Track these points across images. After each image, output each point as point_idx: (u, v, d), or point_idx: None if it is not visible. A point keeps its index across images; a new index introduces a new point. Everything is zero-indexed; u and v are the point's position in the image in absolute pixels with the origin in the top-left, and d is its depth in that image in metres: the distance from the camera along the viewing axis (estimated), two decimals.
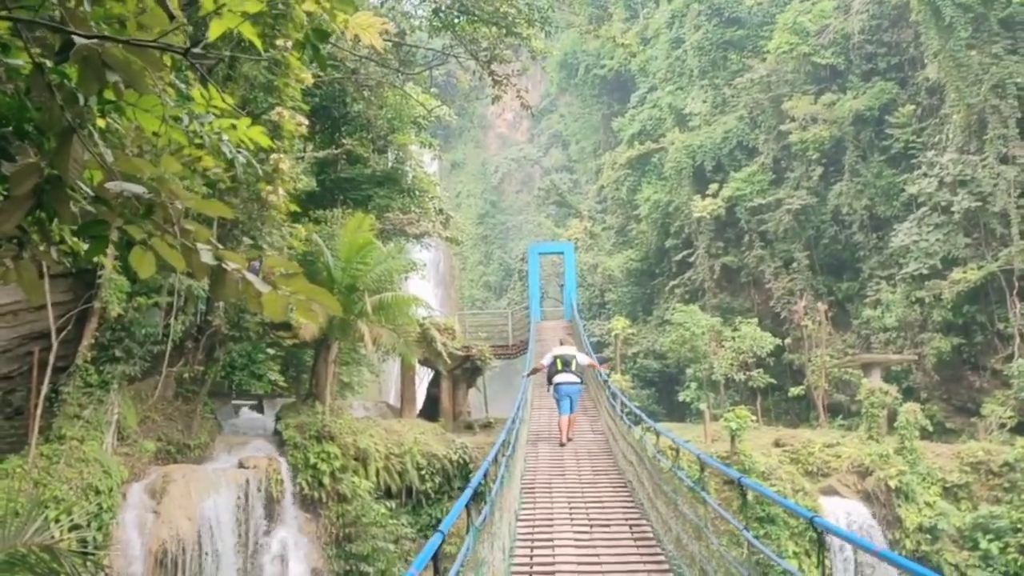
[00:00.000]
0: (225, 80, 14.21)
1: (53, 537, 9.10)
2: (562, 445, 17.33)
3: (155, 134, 3.17)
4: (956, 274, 30.56)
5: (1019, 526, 22.11)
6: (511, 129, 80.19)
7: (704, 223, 41.13)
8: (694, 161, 42.64)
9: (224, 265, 2.89)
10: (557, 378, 17.40)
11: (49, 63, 2.88)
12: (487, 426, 25.49)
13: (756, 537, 6.87)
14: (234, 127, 3.51)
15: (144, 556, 15.47)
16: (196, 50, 2.69)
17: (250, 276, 2.89)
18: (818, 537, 5.13)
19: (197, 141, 3.36)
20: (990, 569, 21.85)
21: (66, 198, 2.85)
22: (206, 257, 2.84)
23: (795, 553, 20.52)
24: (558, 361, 17.67)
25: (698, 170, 42.62)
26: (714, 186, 41.01)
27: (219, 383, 22.07)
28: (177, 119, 3.26)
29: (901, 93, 36.54)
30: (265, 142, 3.63)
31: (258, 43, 2.90)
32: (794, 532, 20.98)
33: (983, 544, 22.02)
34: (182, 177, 2.93)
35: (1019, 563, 21.73)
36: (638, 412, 14.01)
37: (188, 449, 19.05)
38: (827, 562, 20.96)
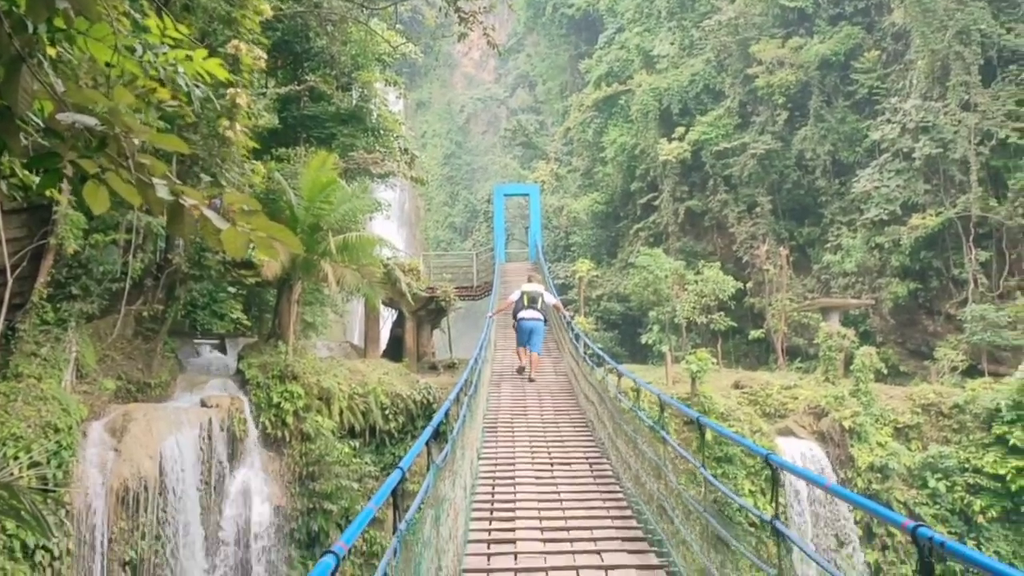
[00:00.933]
0: (183, 11, 13.82)
1: (12, 475, 9.06)
2: (520, 373, 17.99)
3: (108, 65, 3.07)
4: (915, 220, 30.95)
5: (966, 466, 22.79)
6: (477, 69, 79.21)
7: (670, 166, 41.12)
8: (661, 104, 42.45)
9: (181, 200, 2.84)
10: (521, 313, 18.17)
11: None
12: (451, 366, 25.61)
13: (714, 476, 7.01)
14: (190, 59, 3.41)
15: (105, 494, 15.46)
16: None
17: (208, 212, 2.84)
18: (772, 473, 5.25)
19: (152, 73, 3.27)
20: (937, 507, 22.57)
21: (16, 130, 2.76)
22: (162, 192, 2.78)
23: (751, 491, 20.99)
24: (525, 297, 18.38)
25: (664, 113, 42.46)
26: (680, 129, 40.93)
27: (180, 322, 21.91)
28: (131, 49, 3.15)
29: (867, 38, 36.55)
30: (222, 74, 3.53)
31: None
32: (751, 471, 21.44)
33: (931, 483, 22.71)
34: (136, 109, 2.85)
35: (964, 501, 22.46)
36: (601, 353, 14.15)
37: (149, 388, 18.94)
38: (781, 499, 21.53)
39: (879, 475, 22.82)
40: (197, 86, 3.43)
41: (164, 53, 3.32)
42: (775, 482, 5.27)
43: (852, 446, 23.21)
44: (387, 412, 20.83)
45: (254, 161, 17.02)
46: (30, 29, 2.71)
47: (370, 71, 27.75)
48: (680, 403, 8.19)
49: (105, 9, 3.03)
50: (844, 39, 36.52)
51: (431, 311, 27.97)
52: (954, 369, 27.65)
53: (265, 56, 14.81)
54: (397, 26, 30.80)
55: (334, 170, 20.61)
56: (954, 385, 25.92)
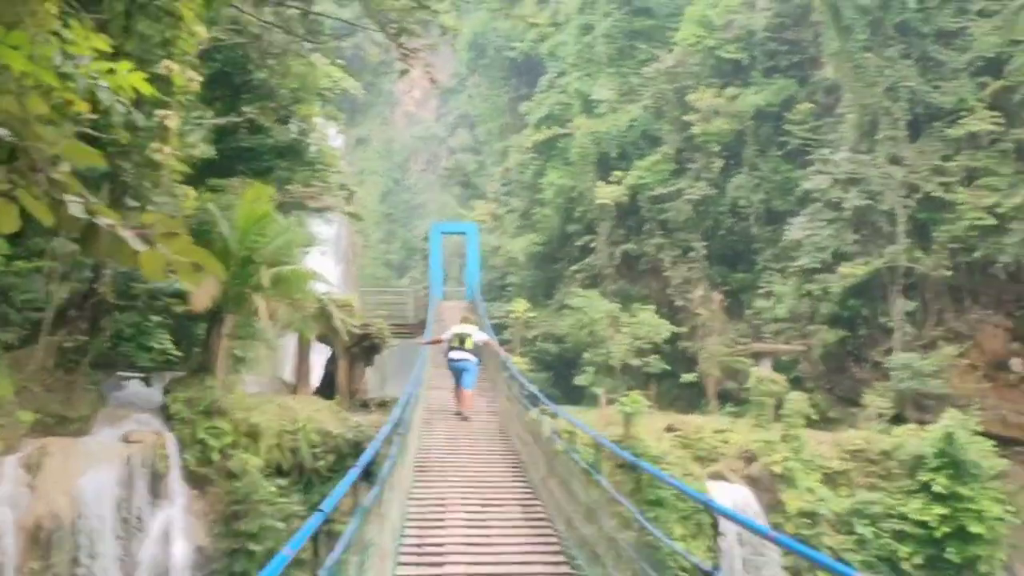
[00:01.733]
0: (123, 33, 13.53)
1: None
2: (457, 414, 17.97)
3: (23, 74, 2.90)
4: (844, 269, 31.64)
5: (893, 512, 23.13)
6: (418, 107, 79.45)
7: (606, 210, 41.48)
8: (599, 148, 42.93)
9: (96, 220, 2.67)
10: (452, 354, 18.27)
11: None
12: (383, 405, 25.18)
13: (647, 519, 6.92)
14: (112, 72, 3.26)
15: (16, 532, 14.76)
16: None
17: (124, 233, 2.68)
18: (714, 521, 5.17)
19: (70, 84, 3.10)
20: (865, 553, 22.80)
21: None
22: (75, 210, 2.61)
23: (683, 536, 20.96)
24: (456, 338, 18.47)
25: (603, 157, 42.93)
26: (618, 173, 41.36)
27: (105, 354, 21.20)
28: (48, 59, 2.99)
29: (800, 91, 37.59)
30: (146, 89, 3.38)
31: None
32: (682, 515, 21.42)
33: (859, 529, 22.96)
34: (51, 122, 2.68)
35: (891, 547, 22.75)
36: (537, 392, 14.05)
37: (68, 422, 18.24)
38: (719, 544, 21.55)
39: (808, 520, 22.99)
40: (120, 101, 3.28)
41: (85, 64, 3.16)
42: (716, 529, 5.19)
43: (782, 491, 23.37)
44: (317, 450, 20.38)
45: (184, 187, 16.63)
46: None
47: (310, 105, 27.56)
48: (615, 445, 8.12)
49: (28, 25, 2.87)
50: (778, 91, 37.50)
51: (365, 348, 27.56)
52: (881, 416, 28.13)
53: (200, 79, 14.56)
54: (339, 61, 30.71)
55: (270, 203, 20.33)
56: (881, 432, 26.36)
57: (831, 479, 24.37)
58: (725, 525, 20.68)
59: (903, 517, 22.99)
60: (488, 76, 59.67)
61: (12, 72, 2.85)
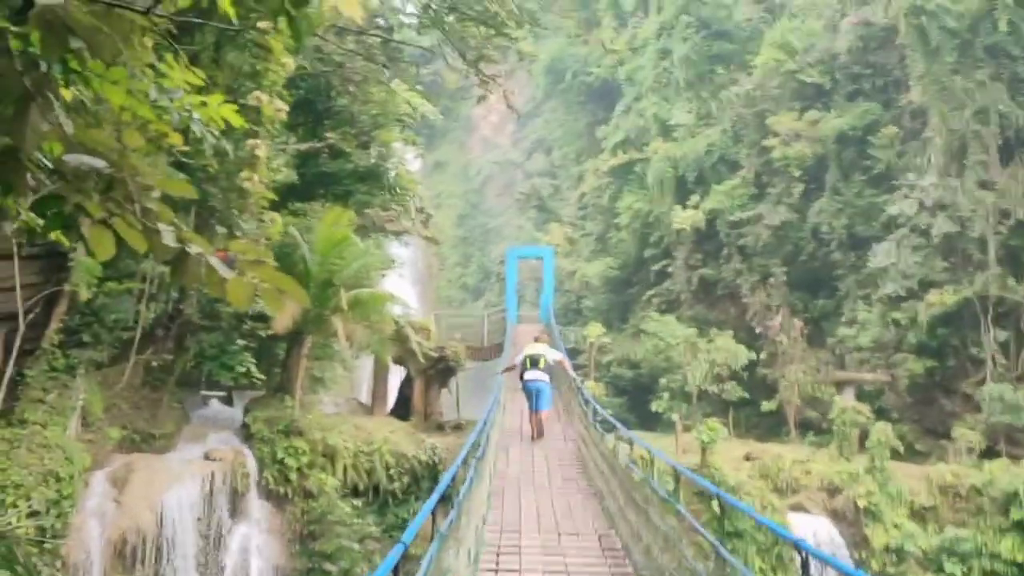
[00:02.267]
0: (211, 64, 13.97)
1: (10, 524, 8.87)
2: (532, 440, 17.78)
3: (122, 108, 3.01)
4: (932, 297, 30.71)
5: (984, 550, 22.20)
6: (495, 132, 80.00)
7: (684, 234, 41.13)
8: (676, 172, 42.66)
9: (187, 248, 2.74)
10: (526, 375, 17.99)
11: (10, 27, 2.72)
12: (458, 428, 25.28)
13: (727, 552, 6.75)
14: (205, 104, 3.36)
15: (103, 546, 15.19)
16: (160, 12, 2.54)
17: (214, 261, 2.74)
18: (802, 561, 5.01)
19: (165, 117, 3.20)
20: None
21: (22, 170, 2.68)
22: (168, 239, 2.68)
23: (761, 569, 20.49)
24: (527, 359, 18.22)
25: (680, 181, 42.65)
26: (695, 198, 41.04)
27: (188, 373, 21.78)
28: (145, 94, 3.10)
29: (884, 114, 36.73)
30: (237, 121, 3.47)
31: (230, 10, 2.75)
32: (761, 548, 20.95)
33: (948, 567, 22.10)
34: (146, 154, 2.77)
35: None
36: (612, 420, 13.92)
37: (153, 438, 18.76)
38: None
39: (894, 557, 22.26)
40: (212, 133, 3.36)
41: (179, 98, 3.26)
42: (805, 569, 5.02)
43: (867, 526, 22.68)
44: (392, 472, 20.54)
45: (271, 212, 17.06)
46: (43, 68, 2.65)
47: (389, 131, 27.99)
48: (698, 476, 7.97)
49: (126, 56, 2.97)
50: (862, 115, 36.72)
51: (440, 371, 27.72)
52: (971, 450, 27.13)
53: (287, 108, 14.94)
54: (418, 87, 31.18)
55: (349, 226, 20.69)
56: (972, 466, 25.40)
57: (919, 514, 23.54)
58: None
59: (995, 556, 22.06)
60: (565, 101, 59.87)
61: (111, 106, 2.96)
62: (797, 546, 5.01)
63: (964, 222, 30.71)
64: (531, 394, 18.05)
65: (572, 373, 20.86)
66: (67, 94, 3.05)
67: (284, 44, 12.11)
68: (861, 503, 22.80)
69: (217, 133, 3.39)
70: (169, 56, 3.55)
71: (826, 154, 37.05)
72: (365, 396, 34.69)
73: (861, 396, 30.99)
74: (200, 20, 2.88)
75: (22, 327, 15.30)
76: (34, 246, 15.92)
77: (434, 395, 28.03)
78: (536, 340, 19.98)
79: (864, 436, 25.46)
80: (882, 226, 34.87)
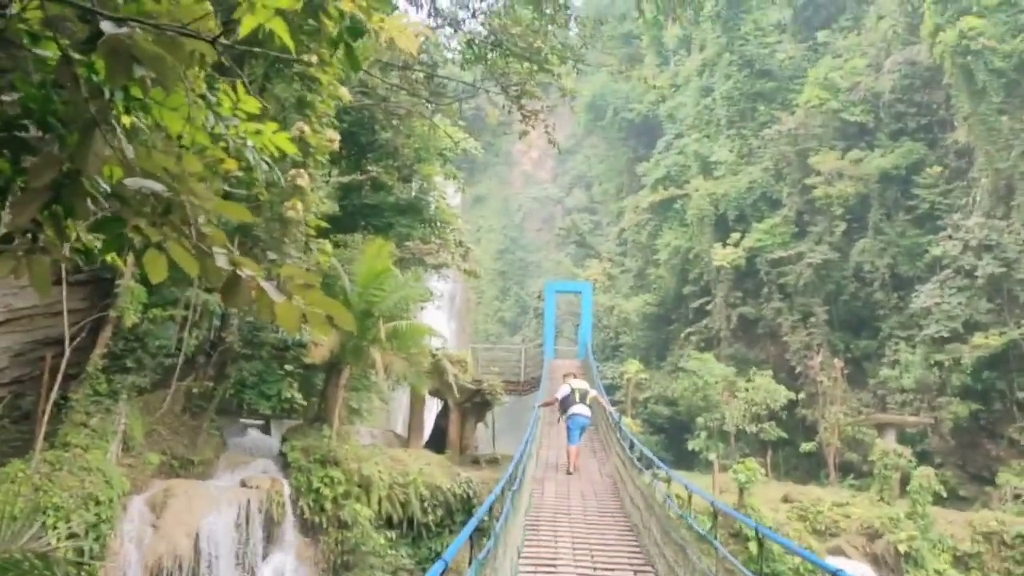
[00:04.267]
0: (259, 95, 14.25)
1: (49, 544, 8.97)
2: (569, 473, 17.68)
3: (179, 136, 3.10)
4: (977, 339, 30.20)
5: None
6: (535, 167, 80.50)
7: (723, 272, 40.96)
8: (717, 209, 42.58)
9: (239, 272, 2.80)
10: (573, 408, 17.85)
11: (77, 56, 2.82)
12: (493, 461, 25.22)
13: None
14: (259, 132, 3.45)
15: (140, 570, 15.30)
16: (224, 41, 2.63)
17: (265, 285, 2.80)
18: None
19: (221, 144, 3.30)
20: None
21: (83, 193, 2.77)
22: (221, 262, 2.75)
23: None
24: (576, 393, 18.09)
25: (720, 219, 42.55)
26: (736, 235, 40.89)
27: (228, 400, 21.98)
28: (202, 121, 3.19)
29: (929, 154, 36.44)
30: (290, 149, 3.55)
31: (289, 41, 2.83)
32: None
33: None
34: (202, 178, 2.85)
35: None
36: (651, 456, 13.81)
37: (192, 465, 18.93)
38: None
39: None
40: (265, 161, 3.45)
41: (235, 125, 3.35)
42: None
43: (907, 572, 22.16)
44: (426, 504, 20.50)
45: (320, 240, 17.29)
46: (106, 95, 2.75)
47: (431, 164, 28.30)
48: (740, 513, 7.89)
49: (185, 79, 3.08)
50: (906, 154, 36.45)
51: (476, 404, 27.73)
52: (1017, 496, 26.48)
53: (338, 137, 15.18)
54: (460, 122, 31.51)
55: (389, 258, 20.86)
56: (1018, 514, 24.77)
57: (962, 561, 22.96)
58: None
59: None
60: (606, 137, 60.16)
61: (170, 132, 3.05)
62: None
63: (1010, 263, 30.24)
64: (577, 429, 17.97)
65: (611, 408, 20.77)
66: (126, 120, 3.16)
67: (335, 75, 12.34)
68: (902, 548, 22.30)
69: (270, 161, 3.49)
70: (223, 84, 3.66)
71: (869, 193, 36.78)
72: (401, 428, 34.78)
73: (903, 439, 30.42)
74: (259, 49, 2.97)
75: (68, 352, 15.59)
76: (80, 272, 16.28)
77: (470, 428, 28.03)
78: (570, 375, 19.90)
79: (905, 480, 24.97)
80: (926, 266, 34.46)
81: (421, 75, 25.31)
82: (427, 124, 27.15)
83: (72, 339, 15.79)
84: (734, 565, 7.03)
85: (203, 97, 3.46)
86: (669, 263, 45.53)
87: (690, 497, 9.84)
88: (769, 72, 44.61)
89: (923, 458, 29.85)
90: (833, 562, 21.97)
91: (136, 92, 2.96)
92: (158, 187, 2.68)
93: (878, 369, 35.24)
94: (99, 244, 3.01)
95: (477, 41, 22.81)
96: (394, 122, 25.86)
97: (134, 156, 2.73)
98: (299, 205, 14.21)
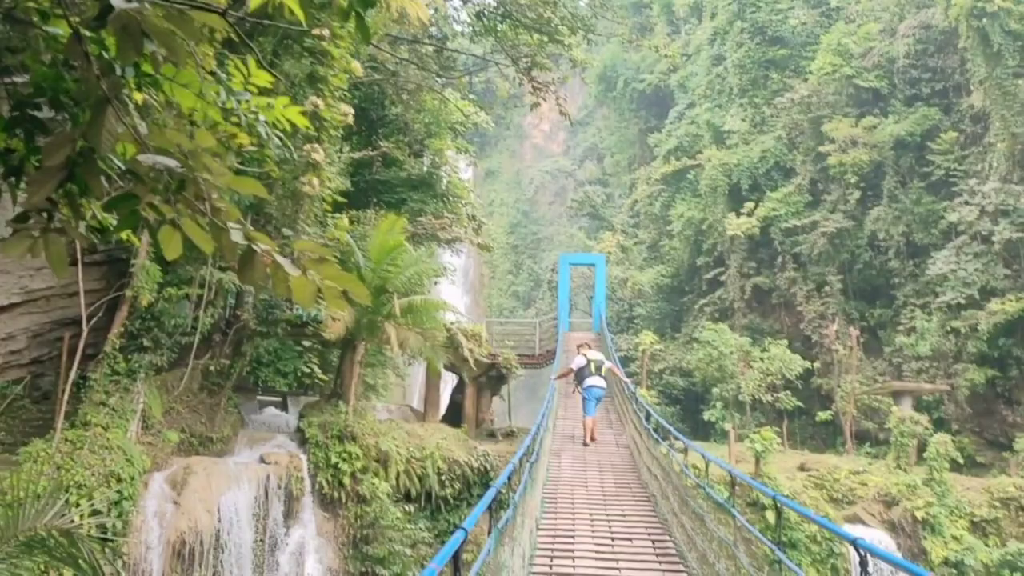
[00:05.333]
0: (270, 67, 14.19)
1: (72, 522, 9.07)
2: (585, 445, 17.87)
3: (191, 111, 3.10)
4: (994, 305, 30.00)
5: None
6: (547, 140, 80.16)
7: (737, 242, 40.79)
8: (730, 179, 42.31)
9: (254, 247, 2.80)
10: (589, 380, 18.10)
11: (87, 33, 2.82)
12: (509, 435, 25.33)
13: (778, 563, 6.67)
14: (271, 106, 3.44)
15: (162, 546, 15.49)
16: (234, 13, 2.61)
17: (280, 259, 2.81)
18: (860, 560, 4.94)
19: (233, 119, 3.29)
20: None
21: (97, 171, 2.78)
22: (236, 236, 2.75)
23: None
24: (592, 365, 18.33)
25: (733, 188, 42.29)
26: (749, 205, 40.67)
27: (244, 378, 22.14)
28: (215, 95, 3.18)
29: (944, 119, 36.03)
30: (302, 123, 3.54)
31: (300, 13, 2.81)
32: (816, 559, 20.64)
33: None
34: (215, 154, 2.85)
35: None
36: (668, 426, 13.84)
37: (210, 442, 19.10)
38: None
39: (954, 571, 21.74)
40: (278, 135, 3.44)
41: (247, 100, 3.34)
42: (864, 569, 4.95)
43: (925, 538, 22.19)
44: (444, 478, 20.63)
45: (336, 215, 17.32)
46: (118, 71, 2.74)
47: (442, 139, 28.23)
48: (757, 482, 7.91)
49: (196, 54, 3.07)
50: (920, 120, 36.06)
51: (492, 378, 27.81)
52: None
53: (351, 111, 15.16)
54: (470, 96, 31.41)
55: (402, 234, 20.86)
56: None
57: (979, 527, 22.97)
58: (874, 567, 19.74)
59: None
60: (617, 108, 59.72)
61: (183, 108, 3.05)
62: (855, 544, 4.95)
63: None
64: (594, 400, 18.19)
65: (626, 379, 20.83)
66: (138, 96, 3.15)
67: (347, 49, 12.30)
68: (919, 515, 22.32)
69: (282, 136, 3.48)
70: (234, 59, 3.64)
71: (883, 160, 36.43)
72: (417, 403, 34.95)
73: (919, 406, 30.36)
74: (269, 22, 2.95)
75: (85, 331, 15.71)
76: (96, 252, 16.36)
77: (486, 402, 28.13)
78: (585, 346, 19.98)
79: (922, 447, 24.96)
80: (941, 233, 34.19)
81: (431, 49, 25.21)
82: (437, 98, 27.08)
83: (89, 319, 15.90)
84: (752, 533, 7.05)
85: (213, 74, 3.45)
86: (682, 234, 45.36)
87: (707, 466, 9.86)
88: (781, 39, 44.09)
89: (940, 425, 29.82)
90: (850, 530, 22.04)
91: (147, 68, 2.95)
92: (172, 163, 2.67)
93: (893, 337, 35.10)
94: (114, 222, 3.02)
95: (486, 13, 22.67)
96: (404, 97, 25.78)
97: (147, 133, 2.73)
98: (315, 180, 14.20)
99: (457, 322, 27.60)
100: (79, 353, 15.72)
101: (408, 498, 20.12)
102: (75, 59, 2.74)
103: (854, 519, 22.85)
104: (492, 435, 25.82)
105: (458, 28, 28.35)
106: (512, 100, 41.45)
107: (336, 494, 18.95)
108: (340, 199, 17.13)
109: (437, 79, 26.55)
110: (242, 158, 4.22)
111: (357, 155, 24.29)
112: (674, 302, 46.53)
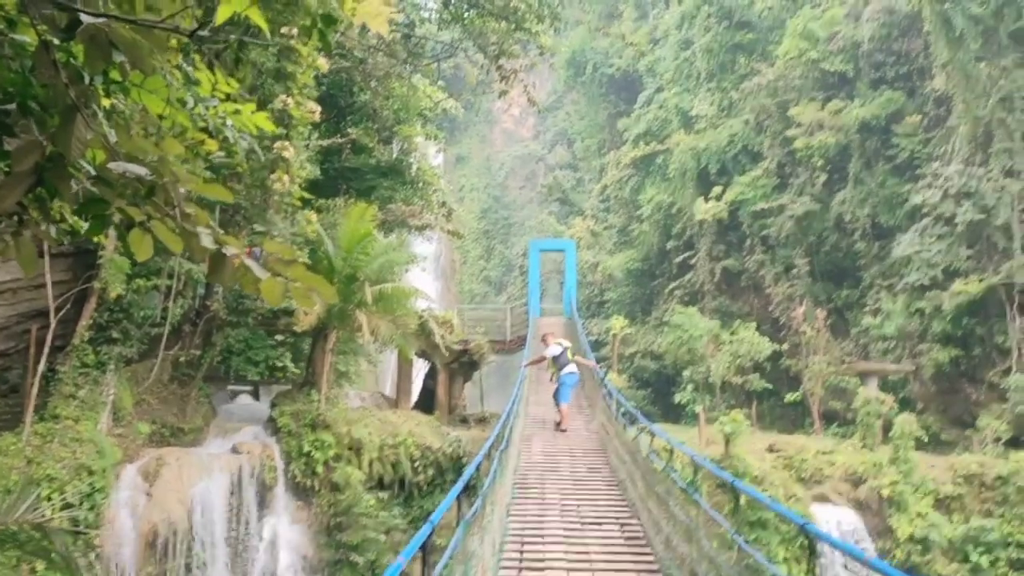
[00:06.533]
0: (234, 64, 14.11)
1: (44, 515, 9.09)
2: (564, 431, 18.06)
3: (160, 116, 3.16)
4: (957, 286, 30.51)
5: (1010, 540, 22.12)
6: (517, 125, 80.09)
7: (706, 226, 41.13)
8: (698, 163, 42.58)
9: (223, 250, 2.88)
10: (568, 368, 18.36)
11: (56, 41, 2.87)
12: (482, 420, 25.48)
13: (747, 542, 6.86)
14: (238, 112, 3.50)
15: (135, 538, 15.49)
16: (203, 32, 2.68)
17: (249, 262, 2.89)
18: (809, 543, 5.12)
19: (201, 124, 3.35)
20: None
21: (67, 176, 2.84)
22: (206, 241, 2.83)
23: (785, 559, 20.50)
24: (568, 352, 18.60)
25: (702, 173, 42.57)
26: (717, 189, 40.98)
27: (215, 368, 22.09)
28: (182, 102, 3.25)
29: (908, 103, 36.46)
30: (270, 128, 3.61)
31: (265, 27, 2.88)
32: (785, 538, 20.96)
33: (974, 557, 22.02)
34: (184, 160, 2.92)
35: None
36: (634, 412, 14.02)
37: (182, 433, 19.08)
38: (817, 570, 20.98)
39: (919, 547, 22.21)
40: (243, 138, 3.51)
41: (214, 106, 3.40)
42: (812, 552, 5.14)
43: (891, 516, 22.64)
44: (417, 464, 20.74)
45: (305, 211, 17.31)
46: (86, 80, 2.80)
47: (411, 125, 28.18)
48: (714, 465, 8.07)
49: (159, 63, 3.12)
50: (885, 103, 36.46)
51: (464, 364, 27.92)
52: (997, 440, 26.97)
53: (319, 109, 15.15)
54: (439, 82, 31.33)
55: (372, 222, 20.86)
56: (998, 456, 25.28)
57: (943, 504, 23.47)
58: (827, 550, 20.13)
59: (1021, 546, 21.96)
60: (586, 93, 59.76)
61: (150, 115, 3.11)
62: (803, 529, 5.11)
63: (988, 210, 30.45)
64: (568, 388, 18.43)
65: (595, 365, 21.02)
66: (106, 103, 3.21)
67: (314, 46, 12.30)
68: (885, 493, 22.77)
69: (250, 139, 3.54)
70: (198, 61, 3.70)
71: (849, 143, 36.84)
72: (390, 390, 35.00)
73: (885, 386, 30.88)
74: (235, 38, 3.02)
75: (53, 323, 15.63)
76: (65, 244, 16.25)
77: (458, 388, 28.25)
78: (549, 336, 20.09)
79: (888, 426, 25.41)
80: (906, 215, 34.67)
81: (398, 36, 25.12)
82: (406, 85, 27.00)
83: (57, 311, 15.81)
84: (712, 516, 7.22)
85: (179, 68, 3.51)
86: (652, 218, 45.63)
87: (671, 451, 10.04)
88: (748, 23, 44.32)
89: (905, 404, 30.35)
90: (818, 508, 22.46)
91: (115, 75, 3.01)
92: (141, 170, 2.74)
93: (860, 318, 35.61)
94: (85, 225, 3.08)
95: (453, 0, 22.63)
96: (372, 84, 25.70)
97: (116, 140, 2.79)
98: (284, 177, 14.20)
99: (429, 309, 27.66)
100: (47, 345, 15.64)
101: (381, 485, 20.21)
102: (43, 68, 2.79)
103: (822, 498, 23.25)
104: (465, 421, 25.95)
105: (425, 15, 28.24)
106: (481, 86, 41.38)
107: (309, 482, 19.01)
108: (308, 195, 17.11)
109: (405, 66, 26.47)
110: (210, 155, 4.27)
111: (326, 143, 24.19)
112: (644, 286, 46.85)
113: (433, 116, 30.93)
